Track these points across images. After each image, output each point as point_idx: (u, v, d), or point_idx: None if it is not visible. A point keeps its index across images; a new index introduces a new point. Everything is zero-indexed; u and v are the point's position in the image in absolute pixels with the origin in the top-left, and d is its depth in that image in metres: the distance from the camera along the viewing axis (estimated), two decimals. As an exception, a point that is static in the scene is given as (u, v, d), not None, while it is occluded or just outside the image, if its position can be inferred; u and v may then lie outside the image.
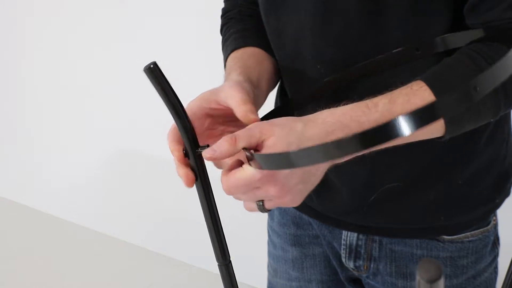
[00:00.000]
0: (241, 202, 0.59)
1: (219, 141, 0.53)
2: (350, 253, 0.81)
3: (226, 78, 0.69)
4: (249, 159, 0.54)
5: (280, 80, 0.80)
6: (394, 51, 0.64)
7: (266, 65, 0.74)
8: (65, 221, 2.36)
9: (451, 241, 0.76)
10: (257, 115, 0.60)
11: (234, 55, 0.75)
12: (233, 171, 0.54)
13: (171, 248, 2.10)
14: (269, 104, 0.77)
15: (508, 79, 0.56)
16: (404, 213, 0.75)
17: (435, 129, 0.57)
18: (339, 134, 0.53)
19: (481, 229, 0.77)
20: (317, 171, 0.57)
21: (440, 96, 0.54)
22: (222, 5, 0.86)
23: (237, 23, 0.81)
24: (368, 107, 0.54)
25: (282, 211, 0.88)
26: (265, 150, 0.53)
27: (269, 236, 0.94)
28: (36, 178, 2.40)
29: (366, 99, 0.55)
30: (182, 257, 2.08)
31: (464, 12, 0.61)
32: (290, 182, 0.54)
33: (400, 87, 0.55)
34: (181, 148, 0.58)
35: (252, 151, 0.53)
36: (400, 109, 0.54)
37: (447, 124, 0.56)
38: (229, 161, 0.57)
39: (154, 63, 0.53)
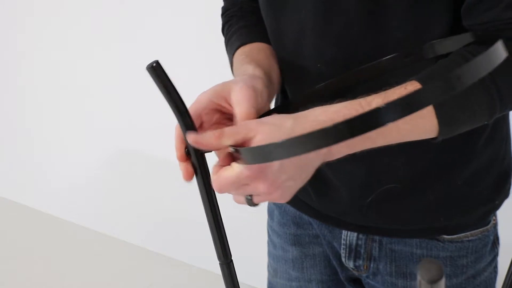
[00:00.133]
0: (240, 204, 0.60)
1: (207, 132, 0.54)
2: (350, 253, 0.81)
3: (238, 72, 0.68)
4: (236, 158, 0.54)
5: None
6: (384, 58, 0.63)
7: (274, 60, 0.74)
8: (65, 221, 2.36)
9: (451, 241, 0.76)
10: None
11: (242, 50, 0.74)
12: (222, 169, 0.54)
13: (171, 248, 2.10)
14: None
15: (502, 82, 0.56)
16: (403, 214, 0.75)
17: (429, 129, 0.56)
18: None
19: (480, 229, 0.77)
20: (308, 168, 0.56)
21: (425, 84, 0.53)
22: (222, 4, 0.86)
23: (240, 20, 0.81)
24: (361, 106, 0.53)
25: (282, 211, 0.88)
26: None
27: (269, 236, 0.94)
28: (36, 178, 2.40)
29: (360, 98, 0.54)
30: (182, 257, 2.08)
31: (461, 13, 0.61)
32: (280, 178, 0.54)
33: (395, 87, 0.55)
34: (183, 147, 0.58)
35: (233, 147, 0.53)
36: None
37: (440, 124, 0.56)
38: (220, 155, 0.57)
39: (157, 62, 0.53)
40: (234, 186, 0.54)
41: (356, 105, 0.53)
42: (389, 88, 0.54)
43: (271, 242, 0.93)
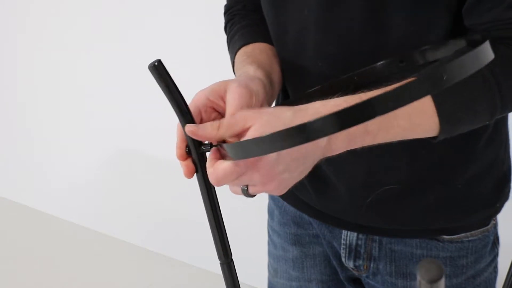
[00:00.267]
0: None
1: (205, 123, 0.55)
2: (350, 253, 0.81)
3: (240, 72, 0.68)
4: (223, 154, 0.54)
5: None
6: (379, 63, 0.64)
7: (276, 61, 0.74)
8: (65, 221, 2.36)
9: (451, 241, 0.76)
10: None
11: (244, 50, 0.74)
12: (218, 162, 0.54)
13: (171, 248, 2.10)
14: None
15: (504, 82, 0.56)
16: (403, 214, 0.75)
17: (430, 127, 0.56)
18: None
19: (480, 229, 0.77)
20: (306, 161, 0.55)
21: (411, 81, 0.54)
22: (222, 3, 0.86)
23: (243, 18, 0.81)
24: (361, 100, 0.53)
25: (282, 210, 0.88)
26: (249, 135, 0.52)
27: (269, 236, 0.94)
28: (36, 178, 2.40)
29: (360, 92, 0.54)
30: (182, 257, 2.08)
31: (463, 13, 0.61)
32: (275, 169, 0.54)
33: (395, 83, 0.55)
34: (184, 146, 0.59)
35: (218, 143, 0.54)
36: None
37: (441, 122, 0.56)
38: None
39: (159, 61, 0.53)
40: (232, 177, 0.54)
41: (356, 99, 0.53)
42: (389, 84, 0.54)
43: (271, 241, 0.93)
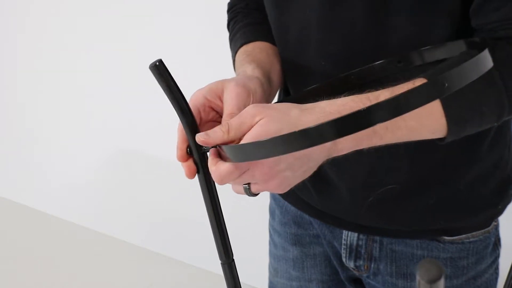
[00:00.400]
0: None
1: (215, 128, 0.54)
2: (350, 253, 0.81)
3: (239, 71, 0.68)
4: (222, 155, 0.54)
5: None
6: (376, 63, 0.64)
7: (276, 60, 0.74)
8: (65, 221, 2.35)
9: (452, 242, 0.76)
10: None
11: (244, 49, 0.74)
12: (221, 161, 0.54)
13: (171, 248, 2.10)
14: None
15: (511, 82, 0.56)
16: (404, 215, 0.75)
17: (437, 128, 0.56)
18: None
19: (482, 230, 0.77)
20: (309, 161, 0.55)
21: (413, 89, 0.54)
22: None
23: (245, 17, 0.81)
24: (369, 99, 0.53)
25: (284, 210, 0.88)
26: (255, 129, 0.52)
27: (270, 235, 0.94)
28: (36, 178, 2.40)
29: (368, 92, 0.54)
30: (182, 257, 2.08)
31: (469, 14, 0.61)
32: (277, 166, 0.54)
33: (403, 82, 0.55)
34: (185, 146, 0.59)
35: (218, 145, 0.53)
36: None
37: (449, 123, 0.55)
38: None
39: (160, 61, 0.53)
40: (235, 175, 0.54)
41: (364, 99, 0.53)
42: (397, 83, 0.54)
43: (272, 241, 0.93)
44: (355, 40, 0.65)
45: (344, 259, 0.82)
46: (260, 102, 0.63)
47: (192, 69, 1.63)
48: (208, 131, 0.55)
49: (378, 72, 0.64)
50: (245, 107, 0.56)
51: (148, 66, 0.54)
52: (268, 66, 0.70)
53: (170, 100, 0.55)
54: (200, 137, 0.55)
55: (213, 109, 0.61)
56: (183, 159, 0.59)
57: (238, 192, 0.59)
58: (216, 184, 0.58)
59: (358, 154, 0.57)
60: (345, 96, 0.54)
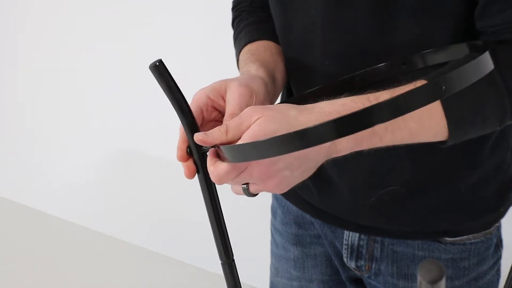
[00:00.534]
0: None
1: (214, 128, 0.54)
2: (351, 253, 0.80)
3: (242, 70, 0.68)
4: (220, 156, 0.54)
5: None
6: (381, 64, 0.63)
7: (281, 59, 0.74)
8: (65, 221, 2.35)
9: (453, 243, 0.76)
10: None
11: (249, 48, 0.74)
12: (219, 161, 0.54)
13: (171, 248, 2.10)
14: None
15: None
16: (405, 216, 0.75)
17: (438, 130, 0.56)
18: None
19: (483, 231, 0.77)
20: (309, 161, 0.55)
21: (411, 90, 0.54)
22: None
23: (250, 15, 0.81)
24: (369, 100, 0.53)
25: (285, 210, 0.88)
26: (252, 128, 0.52)
27: (272, 235, 0.94)
28: (36, 178, 2.40)
29: (368, 93, 0.54)
30: (182, 257, 2.08)
31: (474, 16, 0.61)
32: (275, 166, 0.53)
33: (405, 84, 0.54)
34: (185, 147, 0.58)
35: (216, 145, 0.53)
36: None
37: (449, 126, 0.55)
38: None
39: (160, 61, 0.53)
40: (233, 174, 0.54)
41: (363, 100, 0.53)
42: (398, 85, 0.54)
43: (273, 241, 0.93)
44: (360, 40, 0.65)
45: (345, 259, 0.82)
46: (263, 102, 0.62)
47: (192, 69, 1.63)
48: (207, 131, 0.55)
49: (383, 74, 0.63)
50: (247, 107, 0.56)
51: (148, 66, 0.54)
52: (272, 66, 0.70)
53: (170, 100, 0.55)
54: (198, 136, 0.54)
55: (215, 108, 0.61)
56: (183, 159, 0.59)
57: (237, 193, 0.59)
58: (216, 184, 0.58)
59: (358, 155, 0.57)
60: (345, 96, 0.54)
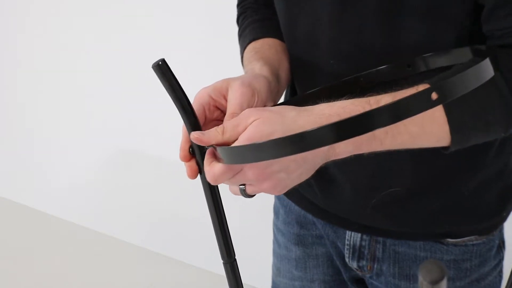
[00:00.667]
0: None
1: (211, 129, 0.54)
2: (353, 253, 0.80)
3: (247, 68, 0.68)
4: (217, 157, 0.54)
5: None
6: (385, 66, 0.63)
7: (285, 57, 0.73)
8: (65, 221, 2.35)
9: (455, 244, 0.76)
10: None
11: (253, 45, 0.74)
12: (215, 161, 0.54)
13: (171, 248, 2.10)
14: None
15: None
16: (407, 217, 0.75)
17: (440, 135, 0.55)
18: None
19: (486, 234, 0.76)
20: (306, 164, 0.55)
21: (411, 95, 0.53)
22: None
23: (254, 12, 0.80)
24: (369, 104, 0.52)
25: (288, 209, 0.88)
26: (248, 130, 0.52)
27: (274, 235, 0.94)
28: (36, 178, 2.40)
29: (369, 96, 0.53)
30: (182, 257, 2.08)
31: (481, 19, 0.60)
32: (270, 168, 0.53)
33: (407, 87, 0.54)
34: (188, 146, 0.58)
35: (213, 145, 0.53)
36: None
37: (452, 131, 0.55)
38: None
39: (163, 60, 0.53)
40: (228, 175, 0.53)
41: (364, 103, 0.52)
42: (399, 88, 0.54)
43: (276, 241, 0.93)
44: (365, 40, 0.64)
45: (347, 260, 0.82)
46: (266, 101, 0.62)
47: (192, 69, 1.63)
48: (205, 131, 0.55)
49: (387, 76, 0.63)
50: (248, 107, 0.56)
51: (150, 66, 0.54)
52: (277, 64, 0.70)
53: (172, 100, 0.55)
54: (195, 135, 0.54)
55: (217, 108, 0.61)
56: (185, 159, 0.58)
57: (235, 193, 0.58)
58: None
59: (362, 156, 0.56)
60: (345, 99, 0.54)
